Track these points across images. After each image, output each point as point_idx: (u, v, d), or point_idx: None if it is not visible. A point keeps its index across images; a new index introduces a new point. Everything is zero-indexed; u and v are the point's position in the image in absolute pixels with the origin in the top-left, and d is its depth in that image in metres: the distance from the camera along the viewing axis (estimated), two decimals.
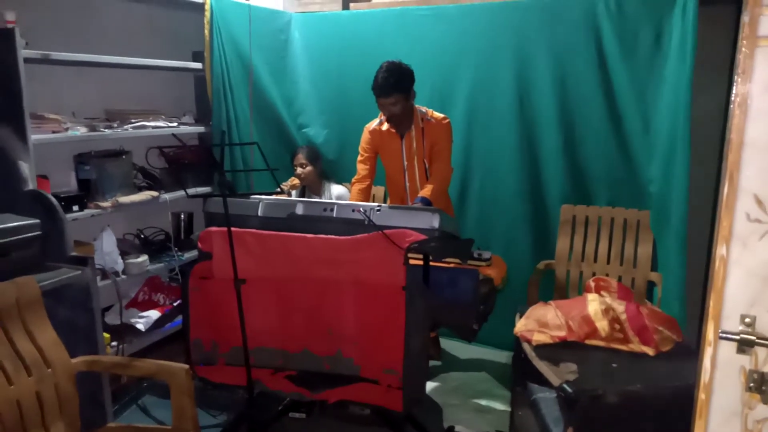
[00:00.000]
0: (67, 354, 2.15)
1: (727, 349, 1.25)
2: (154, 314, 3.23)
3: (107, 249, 3.01)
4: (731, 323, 1.25)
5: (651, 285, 3.22)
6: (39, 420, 2.01)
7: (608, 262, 3.30)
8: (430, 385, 3.24)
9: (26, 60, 2.51)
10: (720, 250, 1.25)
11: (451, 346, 3.74)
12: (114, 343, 2.96)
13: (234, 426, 2.76)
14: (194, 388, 2.13)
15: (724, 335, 1.24)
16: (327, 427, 2.82)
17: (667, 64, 3.09)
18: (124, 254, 3.14)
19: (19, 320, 2.05)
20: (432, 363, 3.44)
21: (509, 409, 2.90)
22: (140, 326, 3.13)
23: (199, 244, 2.58)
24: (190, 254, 3.44)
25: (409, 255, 2.35)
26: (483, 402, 3.13)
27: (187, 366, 2.12)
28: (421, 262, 2.46)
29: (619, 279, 3.20)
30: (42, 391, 2.02)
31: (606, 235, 3.33)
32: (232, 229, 2.34)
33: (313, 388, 2.54)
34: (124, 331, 3.05)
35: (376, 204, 2.51)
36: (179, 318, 3.17)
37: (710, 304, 1.27)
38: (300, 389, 2.55)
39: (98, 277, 2.76)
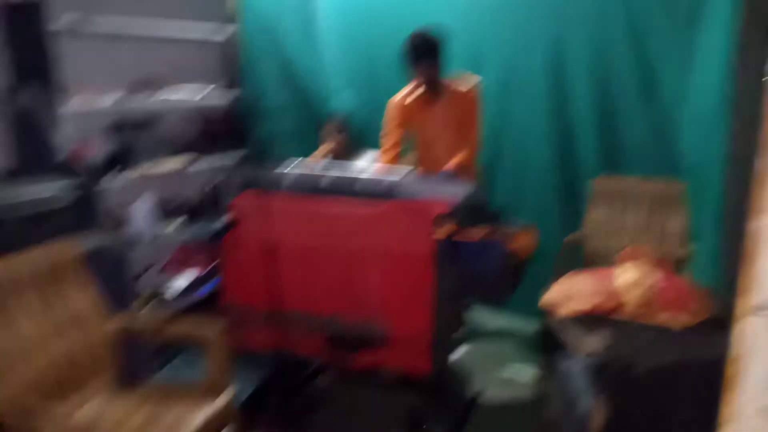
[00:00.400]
0: (104, 316, 2.22)
1: (761, 321, 1.24)
2: (187, 279, 3.30)
3: (141, 215, 3.07)
4: (765, 296, 1.23)
5: (685, 257, 3.17)
6: (77, 380, 2.09)
7: (641, 235, 3.25)
8: (457, 353, 3.27)
9: (58, 31, 2.54)
10: (756, 223, 1.22)
11: (479, 315, 3.75)
12: (148, 307, 3.03)
13: (264, 388, 2.81)
14: (227, 351, 2.18)
15: (758, 308, 1.23)
16: (354, 392, 2.87)
17: (707, 30, 3.00)
18: (157, 220, 3.20)
19: (57, 284, 2.12)
20: (459, 331, 3.46)
21: (537, 378, 2.91)
22: (174, 291, 3.20)
23: (232, 210, 2.61)
24: (223, 220, 3.47)
25: (437, 225, 2.35)
26: (510, 371, 3.15)
27: (220, 327, 2.17)
28: (448, 233, 2.46)
29: (652, 251, 3.16)
30: (79, 352, 2.10)
31: (639, 207, 3.28)
32: (263, 195, 2.37)
33: (342, 353, 2.58)
34: (157, 295, 3.13)
35: (404, 173, 2.51)
36: (212, 282, 3.23)
37: (744, 277, 1.25)
38: (329, 353, 2.59)
39: (132, 243, 2.83)
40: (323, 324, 2.56)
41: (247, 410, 2.34)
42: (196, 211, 3.51)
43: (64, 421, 1.89)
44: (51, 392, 1.99)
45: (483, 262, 2.58)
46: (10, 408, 1.84)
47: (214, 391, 2.14)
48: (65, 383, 2.05)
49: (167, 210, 3.50)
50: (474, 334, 3.56)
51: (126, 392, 2.21)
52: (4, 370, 1.88)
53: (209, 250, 3.61)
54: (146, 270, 3.27)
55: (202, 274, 3.35)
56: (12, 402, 1.85)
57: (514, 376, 3.10)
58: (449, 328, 2.61)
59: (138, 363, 2.63)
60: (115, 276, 2.52)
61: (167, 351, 3.07)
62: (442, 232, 2.39)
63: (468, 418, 2.78)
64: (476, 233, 2.61)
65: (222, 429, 2.22)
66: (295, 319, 2.57)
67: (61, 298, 2.12)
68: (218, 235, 2.66)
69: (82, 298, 2.19)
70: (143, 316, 2.88)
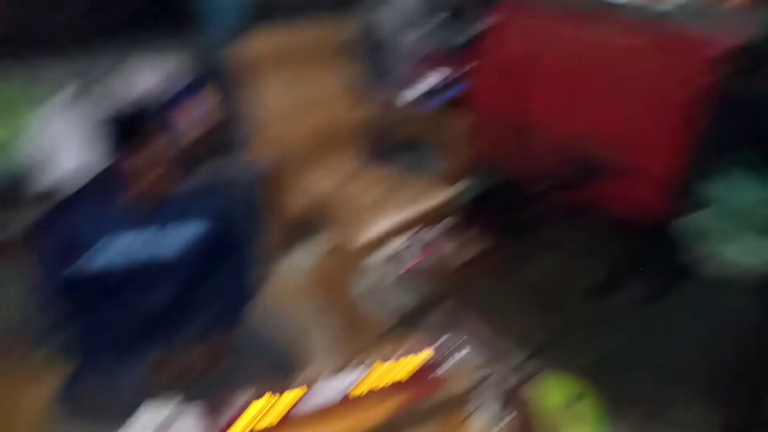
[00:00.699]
0: (354, 103, 2.41)
1: None
2: (435, 80, 3.37)
3: (396, 12, 3.13)
4: None
5: None
6: (327, 152, 2.37)
7: None
8: (695, 213, 3.01)
9: None
10: None
11: (736, 177, 3.35)
12: (396, 99, 3.20)
13: (485, 198, 2.92)
14: (462, 152, 2.29)
15: None
16: (570, 224, 2.83)
17: None
18: (412, 21, 3.24)
19: (318, 62, 2.33)
20: (706, 189, 3.15)
21: None
22: (421, 89, 3.31)
23: (490, 16, 2.57)
24: (480, 25, 3.40)
25: (711, 66, 2.10)
26: (744, 245, 2.86)
27: (461, 128, 2.26)
28: (724, 76, 2.19)
29: None
30: (331, 127, 2.35)
31: None
32: (523, 5, 2.28)
33: (572, 181, 2.55)
34: (410, 90, 3.28)
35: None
36: (458, 87, 3.29)
37: None
38: (558, 178, 2.58)
39: (390, 34, 2.92)
40: (560, 147, 2.53)
41: (474, 206, 2.48)
42: (456, 12, 3.47)
43: (316, 183, 2.19)
44: (305, 158, 2.29)
45: (758, 118, 2.29)
46: (271, 166, 2.19)
47: (448, 180, 2.30)
48: (317, 153, 2.33)
49: (428, 7, 3.52)
50: (721, 198, 3.21)
51: (366, 171, 2.47)
52: (270, 131, 2.19)
53: (462, 54, 3.62)
54: (398, 62, 3.40)
55: (451, 78, 3.40)
56: (275, 160, 2.19)
57: (745, 252, 2.81)
58: (695, 184, 2.42)
59: (380, 148, 2.88)
60: (370, 63, 2.66)
61: (406, 143, 3.29)
62: (715, 74, 2.15)
63: (678, 283, 2.59)
64: (757, 82, 2.30)
65: (444, 219, 2.42)
66: (531, 137, 2.57)
67: (322, 75, 2.34)
68: (473, 41, 2.65)
69: (340, 79, 2.39)
70: (391, 106, 3.09)
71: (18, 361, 1.85)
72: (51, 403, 1.62)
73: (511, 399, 1.75)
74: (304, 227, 2.30)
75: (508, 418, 1.72)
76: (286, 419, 1.46)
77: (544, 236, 2.75)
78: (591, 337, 2.18)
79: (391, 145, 3.05)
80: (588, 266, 2.59)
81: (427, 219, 2.28)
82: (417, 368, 1.61)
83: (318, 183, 2.14)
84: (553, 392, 1.68)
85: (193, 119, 2.26)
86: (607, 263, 2.57)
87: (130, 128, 1.46)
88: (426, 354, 1.64)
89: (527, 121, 2.51)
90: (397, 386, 1.58)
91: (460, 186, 2.29)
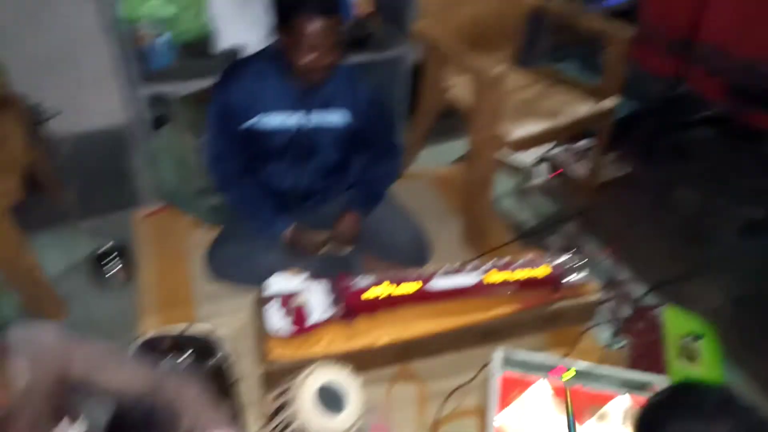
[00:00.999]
0: None
1: None
2: None
3: None
4: None
5: None
6: (488, 42, 2.28)
7: None
8: None
9: None
10: None
11: None
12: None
13: (644, 114, 2.72)
14: (627, 61, 2.11)
15: None
16: (735, 154, 2.58)
17: None
18: None
19: None
20: None
21: None
22: None
23: None
24: None
25: None
26: None
27: (630, 35, 2.08)
28: None
29: None
30: (497, 16, 2.25)
31: None
32: None
33: (743, 106, 2.30)
34: None
35: None
36: None
37: None
38: (728, 103, 2.34)
39: None
40: (735, 69, 2.27)
41: (619, 127, 2.33)
42: None
43: (466, 80, 2.14)
44: (458, 52, 2.22)
45: None
46: (423, 58, 2.17)
47: (599, 95, 2.16)
48: (479, 40, 2.25)
49: None
50: None
51: (517, 72, 2.37)
52: (425, 22, 2.15)
53: None
54: None
55: None
56: (428, 52, 2.17)
57: None
58: None
59: (540, 45, 2.72)
60: None
61: (569, 46, 3.09)
62: None
63: None
64: None
65: (588, 135, 2.30)
66: (705, 55, 2.33)
67: None
68: None
69: None
70: (552, 6, 2.89)
71: (179, 218, 2.11)
72: (202, 259, 1.85)
73: (627, 327, 1.74)
74: (447, 123, 2.30)
75: (620, 344, 1.72)
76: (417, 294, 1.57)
77: (698, 165, 2.54)
78: (725, 278, 2.04)
79: (547, 47, 2.88)
80: (738, 203, 2.37)
81: (571, 132, 2.17)
82: (535, 279, 1.64)
83: (468, 80, 2.09)
84: (671, 327, 1.64)
85: (352, 5, 2.28)
86: (762, 202, 2.34)
87: (292, 7, 1.49)
88: (545, 269, 1.65)
89: (698, 38, 2.25)
90: (516, 288, 1.62)
91: (613, 101, 2.13)
